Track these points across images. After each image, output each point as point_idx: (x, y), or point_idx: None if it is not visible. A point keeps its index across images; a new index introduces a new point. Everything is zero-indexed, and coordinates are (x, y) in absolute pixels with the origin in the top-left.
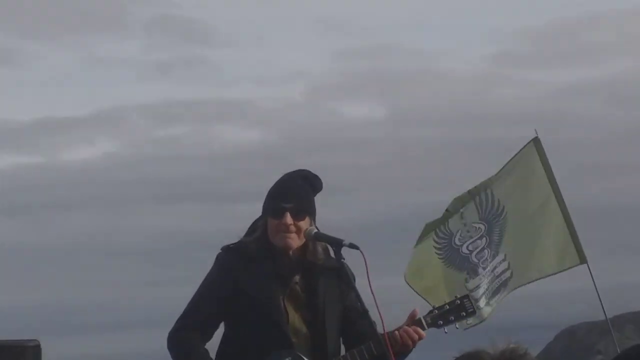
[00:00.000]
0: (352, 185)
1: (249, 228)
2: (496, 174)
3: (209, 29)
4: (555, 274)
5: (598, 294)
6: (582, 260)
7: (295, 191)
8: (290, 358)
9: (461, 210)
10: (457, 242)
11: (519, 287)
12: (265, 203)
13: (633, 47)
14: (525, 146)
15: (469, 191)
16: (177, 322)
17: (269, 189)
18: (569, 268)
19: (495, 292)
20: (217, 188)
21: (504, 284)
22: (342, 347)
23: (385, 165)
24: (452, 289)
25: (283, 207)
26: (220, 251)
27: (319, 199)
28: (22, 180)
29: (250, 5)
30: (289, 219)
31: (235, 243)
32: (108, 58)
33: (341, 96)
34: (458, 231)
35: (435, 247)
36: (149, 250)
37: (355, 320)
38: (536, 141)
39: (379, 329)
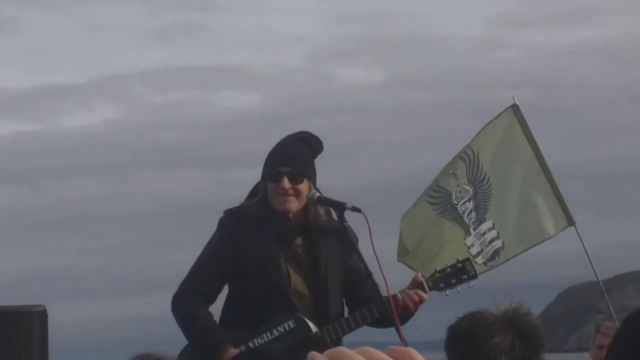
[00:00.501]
0: (352, 149)
1: (250, 192)
2: (477, 136)
3: None
4: (546, 240)
5: (588, 256)
6: (570, 222)
7: (293, 154)
8: (292, 320)
9: (451, 171)
10: (454, 201)
11: (511, 257)
12: (264, 167)
13: (632, 9)
14: (503, 112)
15: (457, 154)
16: (180, 285)
17: (268, 153)
18: (558, 232)
19: (490, 258)
20: (216, 153)
21: (496, 252)
22: (345, 309)
23: (384, 129)
24: (455, 245)
25: (280, 171)
26: (222, 215)
27: (319, 163)
28: (22, 147)
29: None
30: (286, 182)
31: (237, 207)
32: (107, 25)
33: (340, 61)
34: (453, 190)
35: (431, 204)
36: (149, 215)
37: (358, 282)
38: (515, 108)
39: (382, 292)
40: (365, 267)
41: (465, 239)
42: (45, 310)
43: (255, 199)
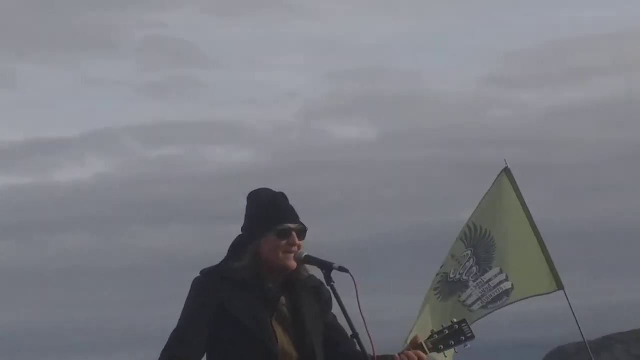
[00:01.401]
0: (343, 206)
1: (232, 251)
2: (475, 211)
3: (201, 50)
4: (531, 297)
5: (575, 318)
6: (559, 286)
7: (294, 212)
8: None
9: (451, 254)
10: (451, 276)
11: (524, 298)
12: (263, 222)
13: (625, 69)
14: (497, 178)
15: (457, 237)
16: (165, 351)
17: (255, 210)
18: (545, 294)
19: (496, 299)
20: (209, 209)
21: (505, 293)
22: None
23: (376, 187)
24: (441, 317)
25: (290, 227)
26: (198, 276)
27: (311, 220)
28: (13, 201)
29: (242, 27)
30: (297, 239)
31: (217, 267)
32: (100, 79)
33: (333, 117)
34: (451, 269)
35: (435, 292)
36: (138, 270)
37: (338, 340)
38: (507, 171)
39: (369, 352)
40: (352, 327)
41: (460, 297)
42: None
43: (246, 260)
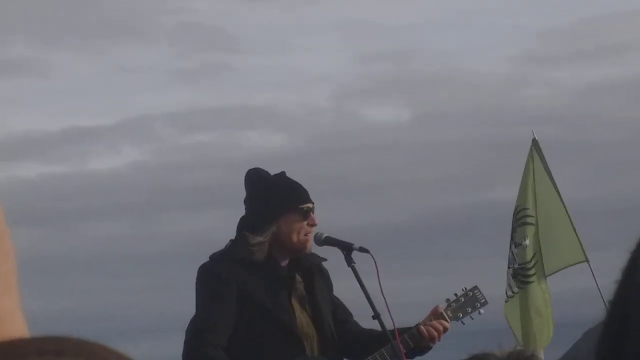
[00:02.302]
0: (377, 188)
1: (243, 233)
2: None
3: (232, 35)
4: (562, 269)
5: (600, 293)
6: (585, 258)
7: (307, 192)
8: None
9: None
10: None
11: (554, 272)
12: (280, 204)
13: None
14: (528, 154)
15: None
16: (192, 339)
17: (269, 190)
18: (573, 264)
19: (525, 277)
20: (243, 194)
21: (537, 267)
22: None
23: (410, 168)
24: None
25: (310, 207)
26: (208, 261)
27: (345, 202)
28: (49, 189)
29: (274, 12)
30: (315, 219)
31: (228, 250)
32: (132, 67)
33: (366, 100)
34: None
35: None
36: (175, 257)
37: (345, 317)
38: (534, 143)
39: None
40: (373, 307)
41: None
42: None
43: (267, 242)
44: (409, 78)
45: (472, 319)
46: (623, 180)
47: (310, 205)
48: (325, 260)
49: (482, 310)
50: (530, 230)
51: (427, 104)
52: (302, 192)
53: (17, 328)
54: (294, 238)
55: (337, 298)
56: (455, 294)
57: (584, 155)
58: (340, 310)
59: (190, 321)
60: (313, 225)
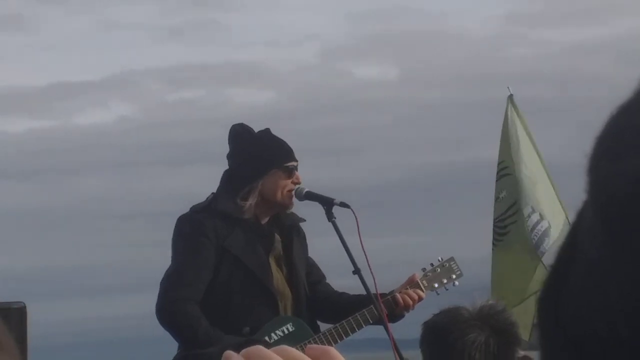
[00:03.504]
0: (364, 146)
1: (226, 187)
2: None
3: None
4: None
5: None
6: (567, 220)
7: (291, 149)
8: (291, 323)
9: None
10: (502, 224)
11: (563, 232)
12: (265, 160)
13: None
14: (505, 109)
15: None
16: (168, 292)
17: (254, 147)
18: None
19: (538, 245)
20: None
21: (545, 234)
22: None
23: (395, 127)
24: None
25: (294, 165)
26: (188, 212)
27: (331, 160)
28: (36, 145)
29: None
30: (300, 177)
31: (210, 203)
32: (121, 22)
33: (354, 58)
34: (499, 213)
35: (496, 244)
36: (162, 213)
37: (318, 278)
38: (510, 99)
39: (371, 289)
40: (354, 263)
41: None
42: (25, 307)
43: (251, 202)
44: (397, 37)
45: (447, 289)
46: None
47: (294, 163)
48: (304, 220)
49: (457, 282)
50: (507, 181)
51: (415, 63)
52: (287, 150)
53: None
54: (278, 195)
55: (311, 259)
56: (432, 264)
57: (568, 114)
58: (314, 271)
59: (166, 273)
60: (297, 183)
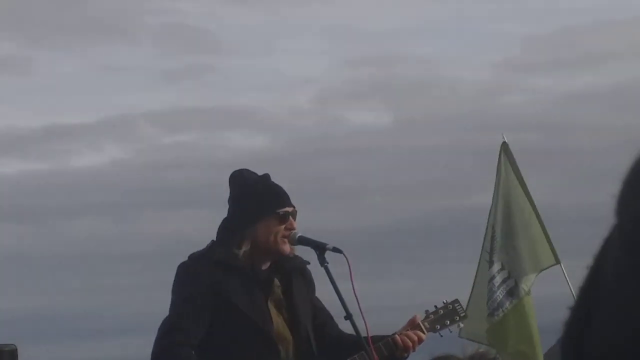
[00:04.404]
0: (355, 193)
1: (222, 235)
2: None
3: (217, 38)
4: (537, 274)
5: (573, 295)
6: (557, 260)
7: (288, 195)
8: None
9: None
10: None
11: (527, 292)
12: (259, 207)
13: (636, 54)
14: (499, 160)
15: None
16: (163, 338)
17: (249, 194)
18: (547, 268)
19: (501, 304)
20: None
21: (509, 293)
22: None
23: (390, 173)
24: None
25: (288, 211)
26: (186, 261)
27: (326, 205)
28: (30, 186)
29: (258, 14)
30: (294, 223)
31: (207, 251)
32: (116, 66)
33: (348, 103)
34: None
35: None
36: (156, 256)
37: (325, 321)
38: (504, 146)
39: (363, 333)
40: (345, 308)
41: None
42: (16, 350)
43: (245, 249)
44: (391, 83)
45: (451, 331)
46: (600, 189)
47: (289, 209)
48: (309, 263)
49: (461, 324)
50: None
51: (409, 110)
52: (281, 196)
53: None
54: (271, 242)
55: (318, 300)
56: (435, 306)
57: (561, 163)
58: (320, 313)
59: (163, 320)
60: (291, 229)
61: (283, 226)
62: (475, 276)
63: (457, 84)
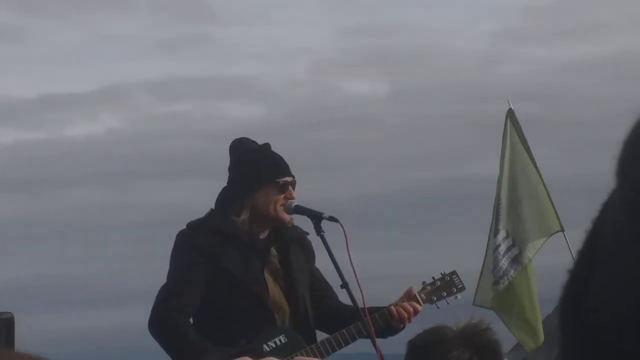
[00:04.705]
0: (351, 162)
1: (221, 204)
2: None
3: (214, 7)
4: (547, 238)
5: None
6: (560, 227)
7: (287, 165)
8: (283, 335)
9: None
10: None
11: (530, 260)
12: (259, 176)
13: (636, 25)
14: (504, 127)
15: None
16: (160, 304)
17: (249, 163)
18: (552, 235)
19: (506, 272)
20: (219, 164)
21: (514, 261)
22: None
23: (387, 142)
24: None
25: (288, 181)
26: (185, 229)
27: (320, 175)
28: (25, 156)
29: None
30: (293, 192)
31: (206, 219)
32: (113, 35)
33: (344, 73)
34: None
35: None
36: (151, 225)
37: (324, 292)
38: (510, 113)
39: (359, 302)
40: (342, 277)
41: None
42: (13, 318)
43: (244, 217)
44: (388, 53)
45: (448, 303)
46: (597, 159)
47: (288, 179)
48: (308, 233)
49: (458, 296)
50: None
51: (405, 79)
52: (281, 165)
53: None
54: (270, 211)
55: (318, 271)
56: (433, 277)
57: (559, 133)
58: (319, 284)
59: (161, 287)
60: (290, 199)
61: (282, 195)
62: (487, 244)
63: (454, 54)
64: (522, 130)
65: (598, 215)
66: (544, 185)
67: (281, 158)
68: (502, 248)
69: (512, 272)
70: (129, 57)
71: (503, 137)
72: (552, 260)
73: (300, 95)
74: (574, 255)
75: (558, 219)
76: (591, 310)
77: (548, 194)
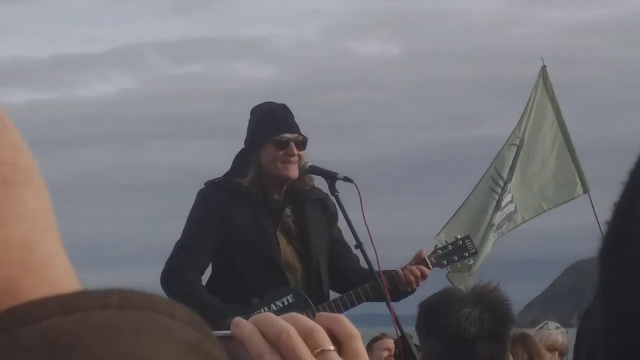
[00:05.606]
0: (364, 124)
1: (235, 164)
2: (521, 119)
3: None
4: (561, 204)
5: (599, 225)
6: (585, 189)
7: (293, 122)
8: (291, 295)
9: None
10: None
11: (525, 221)
12: (261, 134)
13: None
14: (536, 81)
15: (506, 143)
16: (171, 260)
17: (255, 122)
18: (573, 198)
19: (499, 226)
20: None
21: (507, 217)
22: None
23: (399, 104)
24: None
25: (288, 137)
26: (203, 187)
27: (334, 137)
28: (37, 116)
29: None
30: (295, 149)
31: (221, 179)
32: None
33: (356, 35)
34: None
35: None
36: (163, 185)
37: (343, 254)
38: (543, 70)
39: (373, 264)
40: (356, 237)
41: (493, 215)
42: None
43: (251, 173)
44: (401, 15)
45: (460, 267)
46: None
47: (288, 135)
48: (327, 195)
49: (471, 260)
50: (511, 154)
51: (419, 41)
52: (280, 122)
53: (60, 272)
54: (273, 169)
55: (339, 233)
56: (446, 241)
57: (572, 95)
58: (338, 246)
59: (175, 243)
60: (291, 155)
61: (282, 152)
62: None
63: (467, 16)
64: (553, 90)
65: (634, 167)
66: (569, 146)
67: (283, 114)
68: (506, 205)
69: (504, 227)
70: (142, 18)
71: (531, 95)
72: (576, 221)
73: (313, 57)
74: (597, 217)
75: (582, 182)
76: (632, 258)
77: (574, 156)
